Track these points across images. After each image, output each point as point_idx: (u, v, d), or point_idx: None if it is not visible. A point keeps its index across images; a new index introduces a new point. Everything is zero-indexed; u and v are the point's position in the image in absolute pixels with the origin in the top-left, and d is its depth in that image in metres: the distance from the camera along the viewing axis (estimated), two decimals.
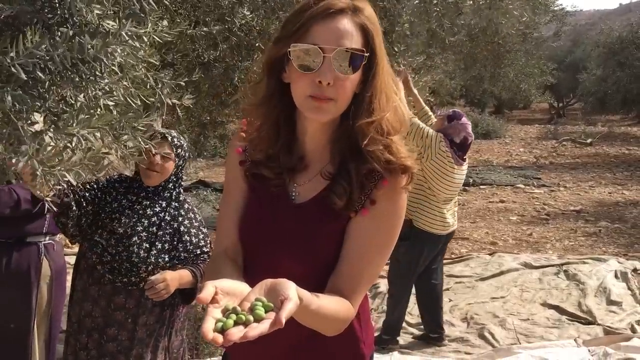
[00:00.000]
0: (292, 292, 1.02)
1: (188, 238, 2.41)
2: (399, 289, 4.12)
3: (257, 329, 0.95)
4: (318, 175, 1.33)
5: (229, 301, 1.02)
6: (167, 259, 2.36)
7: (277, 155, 1.34)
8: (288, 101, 1.28)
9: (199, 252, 2.43)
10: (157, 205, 2.40)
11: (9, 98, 1.08)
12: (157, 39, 1.51)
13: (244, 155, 1.40)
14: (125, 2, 1.41)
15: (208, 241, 2.48)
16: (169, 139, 2.38)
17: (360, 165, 1.28)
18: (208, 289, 1.01)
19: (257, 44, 2.88)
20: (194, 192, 9.11)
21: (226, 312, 1.00)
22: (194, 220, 2.46)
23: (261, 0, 2.79)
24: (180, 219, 2.42)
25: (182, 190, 2.51)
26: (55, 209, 2.21)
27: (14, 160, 1.12)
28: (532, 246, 6.95)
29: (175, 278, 2.28)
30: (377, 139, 1.26)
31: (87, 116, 1.26)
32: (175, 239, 2.39)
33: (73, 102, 1.28)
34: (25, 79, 1.09)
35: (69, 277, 2.75)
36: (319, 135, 1.32)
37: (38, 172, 1.13)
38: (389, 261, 3.84)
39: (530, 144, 16.24)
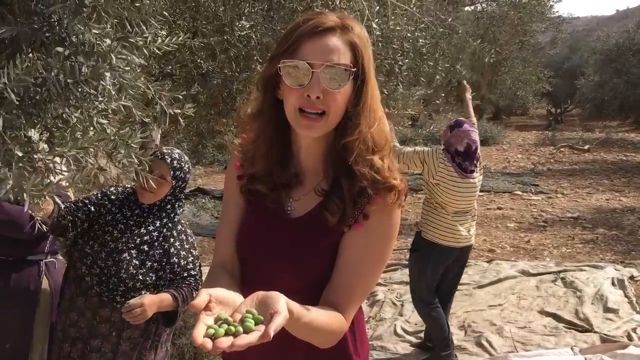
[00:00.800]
0: (282, 305, 1.05)
1: (176, 260, 2.40)
2: (416, 301, 4.07)
3: (245, 339, 0.98)
4: (312, 191, 1.36)
5: (222, 310, 1.05)
6: (154, 277, 2.36)
7: (272, 170, 1.37)
8: (282, 117, 1.31)
9: (185, 274, 2.40)
10: (150, 224, 2.40)
11: (1, 120, 1.10)
12: (156, 51, 1.53)
13: (242, 170, 1.43)
14: (129, 14, 1.43)
15: (197, 264, 2.47)
16: (168, 160, 2.37)
17: (352, 182, 1.30)
18: (202, 296, 1.03)
19: (255, 57, 2.91)
20: (193, 200, 9.11)
21: (218, 321, 1.02)
22: (185, 242, 2.45)
23: (260, 15, 2.82)
24: (171, 240, 2.41)
25: (179, 211, 2.49)
26: (45, 228, 2.23)
27: None
28: (530, 253, 6.96)
29: (155, 302, 2.25)
30: (363, 156, 1.29)
31: (80, 134, 1.28)
32: (164, 259, 2.38)
33: (69, 119, 1.30)
34: (17, 103, 1.11)
35: None
36: (313, 151, 1.35)
37: (20, 198, 1.15)
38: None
39: (528, 150, 16.27)
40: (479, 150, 3.89)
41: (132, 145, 1.43)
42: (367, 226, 1.32)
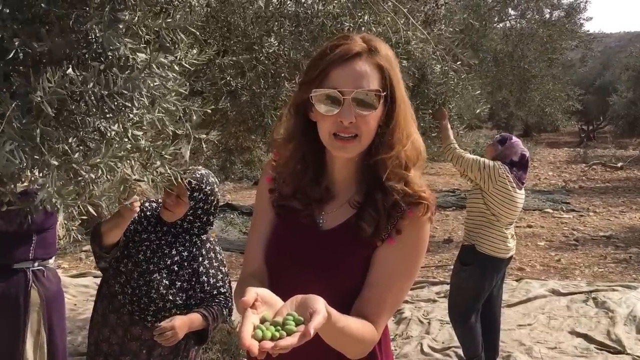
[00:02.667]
0: (321, 306, 1.09)
1: (205, 279, 2.42)
2: (466, 316, 3.96)
3: (287, 341, 1.02)
4: (345, 204, 1.39)
5: (266, 311, 1.09)
6: (184, 297, 2.38)
7: (305, 188, 1.40)
8: (315, 138, 1.36)
9: (215, 292, 2.42)
10: (180, 244, 2.43)
11: (38, 131, 1.14)
12: (187, 67, 1.57)
13: (274, 184, 1.47)
14: (156, 35, 1.47)
15: (227, 281, 2.48)
16: (186, 181, 2.34)
17: (386, 196, 1.33)
18: (251, 294, 1.08)
19: (283, 74, 2.95)
20: (221, 215, 9.19)
21: (264, 322, 1.07)
22: (213, 261, 2.46)
23: (288, 32, 2.86)
24: (200, 259, 2.43)
25: (208, 231, 2.50)
26: (80, 237, 2.27)
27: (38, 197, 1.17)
28: (560, 272, 6.85)
29: (185, 323, 2.28)
30: (396, 172, 1.33)
31: (117, 146, 1.32)
32: (193, 279, 2.40)
33: (106, 132, 1.34)
34: (53, 115, 1.16)
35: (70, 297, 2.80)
36: (346, 168, 1.39)
37: (58, 206, 1.18)
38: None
39: (559, 167, 16.06)
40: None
41: (165, 156, 1.47)
42: (400, 241, 1.34)
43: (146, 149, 1.42)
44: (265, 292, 1.12)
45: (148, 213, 2.49)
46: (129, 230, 2.42)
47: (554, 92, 8.00)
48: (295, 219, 1.41)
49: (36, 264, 2.73)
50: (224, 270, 2.49)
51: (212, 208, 2.48)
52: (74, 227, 2.07)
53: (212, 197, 2.46)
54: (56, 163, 1.21)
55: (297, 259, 1.38)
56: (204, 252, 2.45)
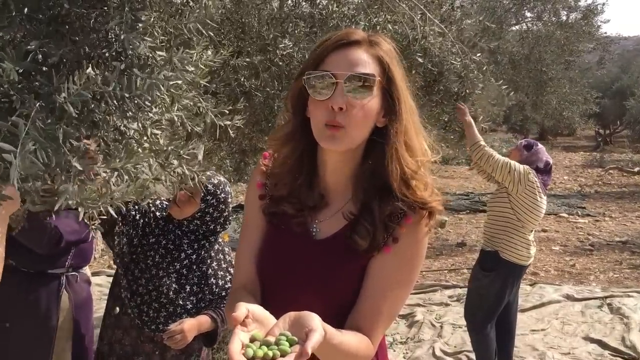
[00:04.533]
0: (317, 323, 1.03)
1: (214, 281, 2.41)
2: (483, 322, 3.90)
3: None
4: (339, 213, 1.33)
5: (257, 329, 1.04)
6: (194, 301, 2.38)
7: (298, 191, 1.34)
8: (311, 138, 1.29)
9: (224, 294, 2.42)
10: (188, 247, 2.41)
11: (61, 132, 1.14)
12: (202, 67, 1.57)
13: (264, 190, 1.40)
14: (176, 32, 1.48)
15: None
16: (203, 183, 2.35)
17: (384, 205, 1.27)
18: (241, 310, 1.03)
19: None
20: (234, 216, 9.21)
21: (254, 341, 1.01)
22: (222, 262, 2.45)
23: (303, 33, 2.87)
24: (208, 261, 2.42)
25: (218, 235, 2.49)
26: (102, 230, 2.23)
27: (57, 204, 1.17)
28: (575, 277, 6.79)
29: (194, 326, 2.28)
30: (400, 178, 1.26)
31: (136, 146, 1.32)
32: (202, 282, 2.40)
33: (126, 131, 1.34)
34: (76, 115, 1.16)
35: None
36: (339, 171, 1.32)
37: (79, 209, 1.18)
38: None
39: (575, 171, 15.91)
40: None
41: (183, 156, 1.46)
42: (397, 249, 1.28)
43: (164, 149, 1.42)
44: (257, 309, 1.07)
45: (157, 214, 2.46)
46: (137, 235, 2.40)
47: (571, 95, 7.95)
48: (288, 226, 1.35)
49: (70, 270, 2.72)
50: (232, 271, 2.47)
51: (222, 218, 2.44)
52: (93, 225, 2.06)
53: (224, 206, 2.43)
54: (79, 166, 1.21)
55: (290, 268, 1.32)
56: (212, 254, 2.44)
